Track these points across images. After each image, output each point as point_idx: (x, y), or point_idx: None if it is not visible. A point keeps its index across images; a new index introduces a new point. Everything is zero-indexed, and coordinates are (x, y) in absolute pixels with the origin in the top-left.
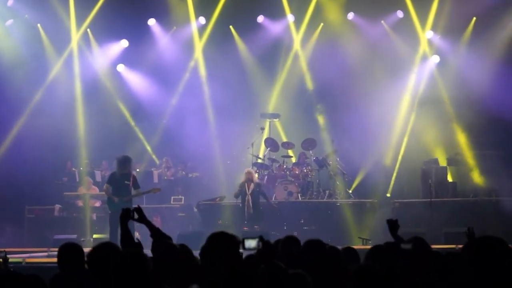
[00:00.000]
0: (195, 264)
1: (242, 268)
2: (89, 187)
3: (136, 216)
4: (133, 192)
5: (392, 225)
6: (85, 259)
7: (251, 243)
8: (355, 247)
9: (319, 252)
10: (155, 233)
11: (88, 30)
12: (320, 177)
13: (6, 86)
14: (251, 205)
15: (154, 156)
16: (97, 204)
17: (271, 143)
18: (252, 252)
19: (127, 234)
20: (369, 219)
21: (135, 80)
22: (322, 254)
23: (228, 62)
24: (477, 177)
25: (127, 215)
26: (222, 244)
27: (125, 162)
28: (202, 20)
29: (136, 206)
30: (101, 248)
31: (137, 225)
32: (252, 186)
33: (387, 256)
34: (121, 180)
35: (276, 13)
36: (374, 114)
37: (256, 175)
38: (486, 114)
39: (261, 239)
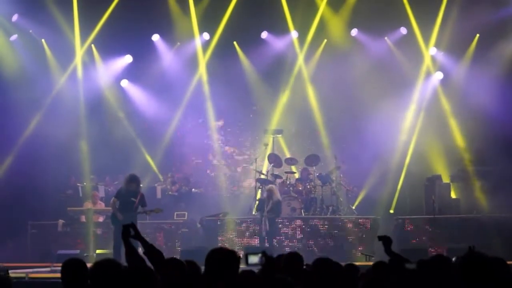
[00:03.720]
0: (201, 279)
1: (241, 284)
2: (95, 202)
3: (132, 232)
4: (139, 209)
5: (385, 241)
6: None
7: (253, 259)
8: (358, 263)
9: (329, 270)
10: (149, 249)
11: (92, 45)
12: (324, 193)
13: (10, 101)
14: (267, 223)
15: (157, 171)
16: (101, 219)
17: (274, 159)
18: (255, 267)
19: (131, 250)
20: (372, 235)
21: (139, 95)
22: (332, 272)
23: (231, 78)
24: (480, 194)
25: (129, 232)
26: (222, 259)
27: (131, 180)
28: (206, 35)
29: (129, 223)
30: (101, 264)
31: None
32: (270, 204)
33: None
34: (127, 196)
35: (280, 29)
36: (378, 130)
37: (278, 192)
38: (490, 131)
39: (264, 254)
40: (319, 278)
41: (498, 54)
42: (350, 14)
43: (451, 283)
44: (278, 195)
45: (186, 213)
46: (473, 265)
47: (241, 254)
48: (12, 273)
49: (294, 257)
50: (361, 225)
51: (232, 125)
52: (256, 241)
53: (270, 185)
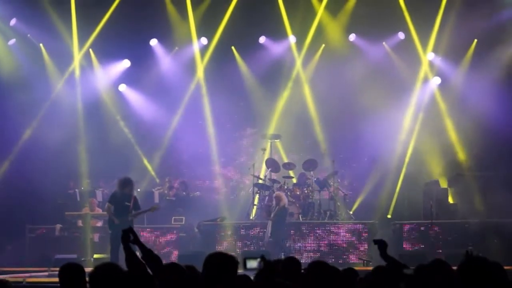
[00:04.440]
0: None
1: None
2: (93, 209)
3: (131, 237)
4: (133, 213)
5: (381, 245)
6: (86, 279)
7: (252, 263)
8: (355, 268)
9: (324, 273)
10: (147, 254)
11: (90, 50)
12: (321, 198)
13: (8, 105)
14: (269, 229)
15: (155, 176)
16: (99, 224)
17: (272, 163)
18: (253, 272)
19: (131, 255)
20: (369, 240)
21: (137, 100)
22: (327, 275)
23: (229, 82)
24: (478, 199)
25: (128, 237)
26: (220, 264)
27: (125, 183)
28: (204, 40)
29: (128, 227)
30: (102, 268)
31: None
32: (276, 209)
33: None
34: (121, 200)
35: (278, 34)
36: (376, 135)
37: (285, 199)
38: (488, 136)
39: (262, 259)
40: (314, 280)
41: (495, 59)
42: (348, 19)
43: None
44: (284, 202)
45: (184, 217)
46: (471, 269)
47: (239, 258)
48: (10, 278)
49: (291, 262)
50: (359, 230)
51: (229, 129)
52: (255, 246)
53: (278, 192)
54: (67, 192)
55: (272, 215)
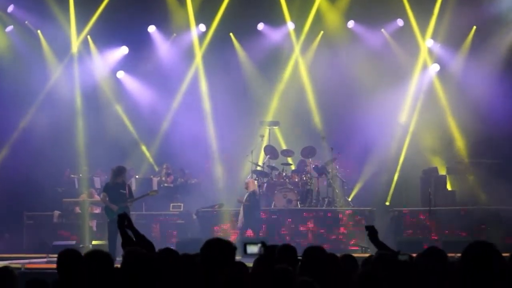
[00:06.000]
0: (196, 270)
1: (238, 274)
2: (91, 197)
3: (126, 222)
4: (129, 199)
5: (371, 231)
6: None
7: (253, 249)
8: (353, 255)
9: (320, 259)
10: (140, 240)
11: (88, 36)
12: (319, 185)
13: (5, 93)
14: (242, 214)
15: (153, 163)
16: (97, 210)
17: (270, 150)
18: (254, 257)
19: (128, 240)
20: None
21: (135, 86)
22: (323, 260)
23: (228, 69)
24: (476, 186)
25: (124, 221)
26: (218, 250)
27: (118, 172)
28: (202, 27)
29: (123, 213)
30: (92, 255)
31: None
32: (246, 196)
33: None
34: (116, 189)
35: (276, 20)
36: (374, 122)
37: (256, 183)
38: (486, 123)
39: (263, 244)
40: (311, 265)
41: (494, 46)
42: (347, 5)
43: (444, 275)
44: (252, 187)
45: (182, 204)
46: (471, 256)
47: (237, 244)
48: (9, 264)
49: (287, 249)
50: (357, 217)
51: (228, 116)
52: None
53: (248, 179)
54: (61, 187)
55: (243, 201)
